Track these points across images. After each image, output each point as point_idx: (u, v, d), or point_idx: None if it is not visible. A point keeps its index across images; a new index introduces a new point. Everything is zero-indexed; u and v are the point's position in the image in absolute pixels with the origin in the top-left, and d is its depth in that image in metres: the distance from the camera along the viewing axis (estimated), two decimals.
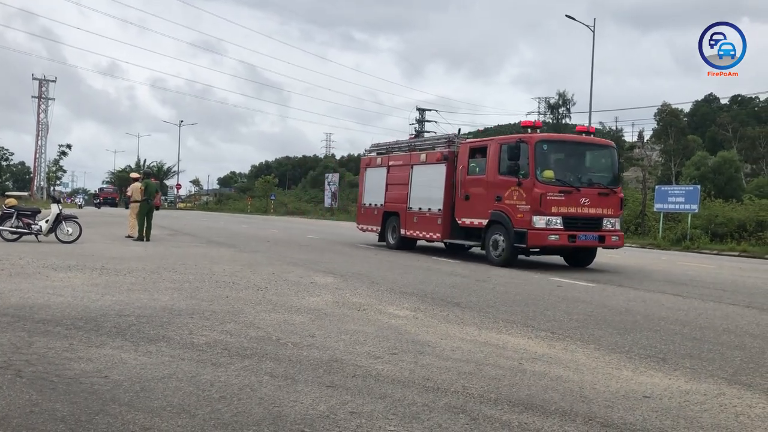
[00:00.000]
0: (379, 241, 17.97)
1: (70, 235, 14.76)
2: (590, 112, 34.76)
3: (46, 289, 7.60)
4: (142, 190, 17.28)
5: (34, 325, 5.57)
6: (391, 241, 17.24)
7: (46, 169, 78.99)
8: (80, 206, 46.82)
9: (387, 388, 4.11)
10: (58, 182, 79.96)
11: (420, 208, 15.96)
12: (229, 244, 17.27)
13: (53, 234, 14.73)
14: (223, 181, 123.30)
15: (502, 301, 8.28)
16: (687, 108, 73.71)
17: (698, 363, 5.26)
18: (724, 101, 75.73)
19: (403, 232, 16.57)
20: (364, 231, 19.04)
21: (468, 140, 15.51)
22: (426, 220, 15.64)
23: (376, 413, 3.63)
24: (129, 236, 17.38)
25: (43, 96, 77.64)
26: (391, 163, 17.70)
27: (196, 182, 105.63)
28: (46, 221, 14.77)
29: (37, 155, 78.22)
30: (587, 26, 34.04)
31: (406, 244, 16.84)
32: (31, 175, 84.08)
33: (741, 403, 4.17)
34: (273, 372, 4.39)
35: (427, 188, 15.68)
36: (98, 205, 53.85)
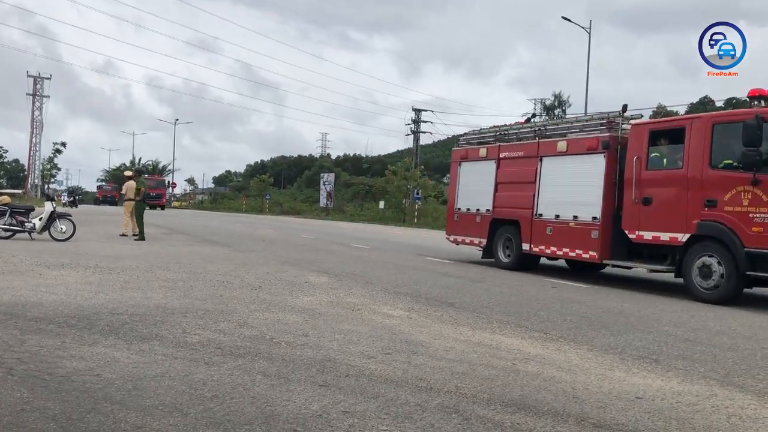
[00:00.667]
0: (483, 257, 14.00)
1: (64, 233, 14.69)
2: (586, 114, 34.86)
3: (38, 287, 7.57)
4: (142, 191, 17.26)
5: (26, 323, 5.55)
6: (504, 258, 13.21)
7: (41, 167, 78.70)
8: (65, 204, 45.90)
9: (380, 388, 4.11)
10: (52, 180, 79.70)
11: (557, 216, 11.87)
12: (224, 243, 17.23)
13: (47, 232, 14.67)
14: (219, 180, 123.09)
15: (496, 302, 8.29)
16: (682, 110, 73.85)
17: (691, 364, 5.27)
18: (719, 104, 75.79)
19: (526, 247, 12.49)
20: (458, 243, 14.87)
21: (644, 120, 11.49)
22: (570, 232, 11.58)
23: (368, 413, 3.63)
24: (123, 234, 17.32)
25: (37, 93, 77.37)
26: (503, 154, 13.45)
27: (191, 181, 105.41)
28: (40, 219, 14.71)
29: (32, 153, 77.95)
30: (583, 28, 34.19)
31: (528, 263, 13.00)
32: (25, 172, 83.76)
33: (733, 404, 4.19)
34: (266, 371, 4.38)
35: (571, 188, 11.64)
36: (73, 204, 51.87)
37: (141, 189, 17.30)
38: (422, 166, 55.27)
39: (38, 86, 77.47)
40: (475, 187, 14.12)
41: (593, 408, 3.94)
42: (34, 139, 77.83)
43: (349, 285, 9.18)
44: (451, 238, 15.04)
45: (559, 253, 11.97)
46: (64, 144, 79.44)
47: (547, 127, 12.86)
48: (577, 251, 11.44)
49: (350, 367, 4.60)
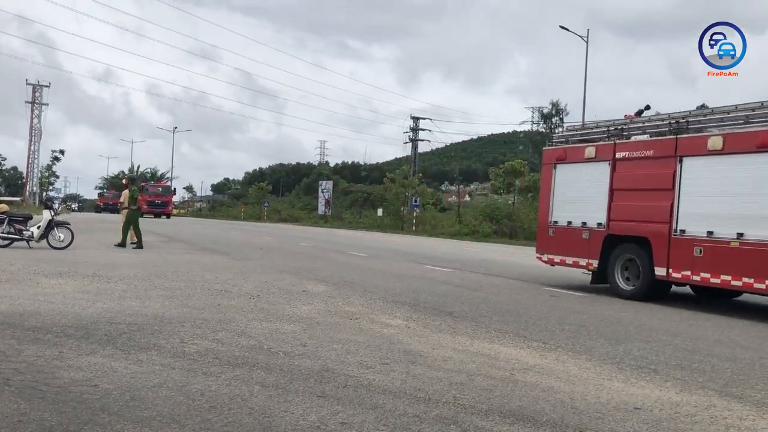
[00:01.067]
0: (594, 282, 11.30)
1: (62, 241, 14.67)
2: (583, 122, 34.93)
3: (36, 296, 7.55)
4: (138, 199, 17.20)
5: (23, 332, 5.53)
6: (624, 285, 10.58)
7: (39, 175, 78.66)
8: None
9: (378, 399, 4.10)
10: (51, 188, 79.66)
11: (710, 233, 9.29)
12: (222, 251, 17.22)
13: (45, 240, 14.65)
14: (217, 188, 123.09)
15: (494, 311, 8.28)
16: None
17: (689, 374, 5.27)
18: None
19: (661, 272, 9.84)
20: (554, 265, 12.22)
21: None
22: (733, 254, 9.03)
23: (366, 424, 3.62)
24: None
25: (36, 101, 77.41)
26: (621, 154, 10.82)
27: (189, 189, 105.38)
28: (38, 227, 14.68)
29: (30, 160, 77.93)
30: (580, 37, 34.32)
31: (659, 291, 10.34)
32: (24, 180, 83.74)
33: (731, 415, 4.18)
34: (264, 382, 4.37)
35: (731, 197, 9.19)
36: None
37: (136, 197, 17.20)
38: (420, 174, 55.39)
39: (37, 94, 77.46)
40: (580, 194, 11.55)
41: (591, 419, 3.94)
42: (32, 147, 77.78)
43: (347, 294, 9.17)
44: (545, 257, 12.32)
45: (716, 281, 9.21)
46: (62, 152, 79.46)
47: (689, 120, 10.16)
48: (746, 279, 8.84)
49: (348, 377, 4.59)
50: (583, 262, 11.37)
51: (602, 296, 10.55)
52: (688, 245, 9.56)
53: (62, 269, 10.40)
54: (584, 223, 11.37)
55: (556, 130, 72.89)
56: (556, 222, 12.09)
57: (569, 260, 11.70)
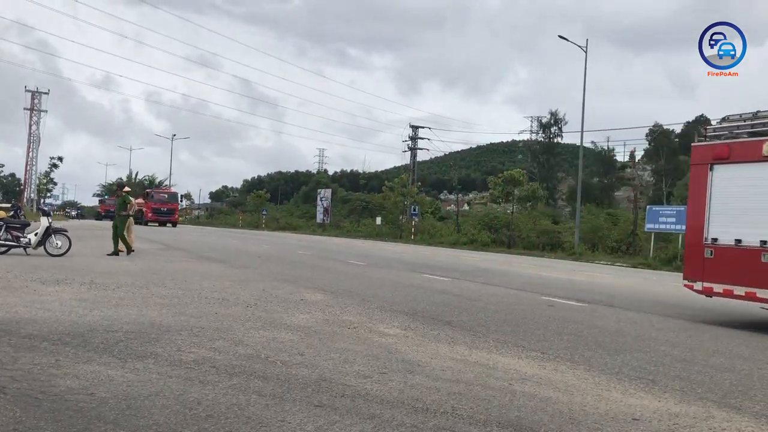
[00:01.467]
0: None
1: (59, 248, 14.65)
2: (582, 131, 35.05)
3: (33, 303, 7.52)
4: (141, 204, 17.09)
5: (20, 340, 5.51)
6: None
7: (37, 182, 78.63)
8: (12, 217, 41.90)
9: (376, 409, 4.08)
10: (48, 194, 79.57)
11: None
12: (220, 259, 17.19)
13: (42, 247, 14.62)
14: (215, 196, 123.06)
15: (493, 320, 8.26)
16: (678, 129, 74.36)
17: (687, 385, 5.26)
18: (714, 122, 76.20)
19: None
20: (712, 295, 9.50)
21: None
22: None
23: None
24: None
25: (35, 108, 77.46)
26: None
27: (187, 196, 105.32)
28: (35, 234, 14.66)
29: (28, 167, 77.91)
30: (580, 47, 34.42)
31: None
32: (22, 187, 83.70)
33: (730, 426, 4.17)
34: (261, 391, 4.35)
35: None
36: (15, 218, 46.77)
37: (127, 203, 17.08)
38: (419, 183, 55.49)
39: (36, 101, 77.51)
40: (755, 204, 8.96)
41: (590, 430, 3.92)
42: (31, 154, 77.76)
43: (345, 302, 9.15)
44: (700, 286, 9.55)
45: None
46: (61, 158, 79.37)
47: None
48: None
49: (346, 387, 4.57)
50: (763, 293, 8.68)
51: (600, 306, 10.53)
52: None
53: (59, 276, 10.37)
54: (764, 243, 8.70)
55: (555, 140, 73.09)
56: (715, 240, 9.38)
57: (740, 291, 8.98)
